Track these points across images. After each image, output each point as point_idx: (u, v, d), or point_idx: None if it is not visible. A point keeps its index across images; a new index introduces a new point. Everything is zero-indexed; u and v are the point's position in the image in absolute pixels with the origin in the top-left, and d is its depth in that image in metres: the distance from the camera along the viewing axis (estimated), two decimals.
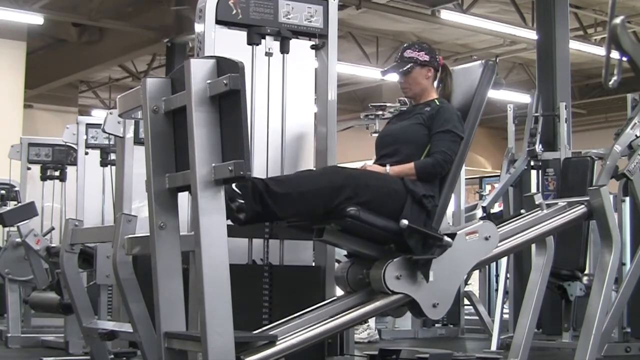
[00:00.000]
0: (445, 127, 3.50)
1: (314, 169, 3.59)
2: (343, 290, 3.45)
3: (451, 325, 7.57)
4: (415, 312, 3.37)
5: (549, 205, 3.83)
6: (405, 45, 3.82)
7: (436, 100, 3.65)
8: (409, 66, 3.69)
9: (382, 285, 3.23)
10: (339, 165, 3.64)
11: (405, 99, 5.52)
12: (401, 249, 3.28)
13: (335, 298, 3.42)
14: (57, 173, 7.60)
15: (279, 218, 3.27)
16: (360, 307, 3.27)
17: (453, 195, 7.45)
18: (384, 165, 3.49)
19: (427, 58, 3.71)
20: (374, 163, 3.61)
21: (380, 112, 7.41)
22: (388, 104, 7.58)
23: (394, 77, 3.86)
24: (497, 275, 8.01)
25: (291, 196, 3.12)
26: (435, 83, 3.76)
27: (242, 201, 3.03)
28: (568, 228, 3.87)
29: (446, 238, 3.30)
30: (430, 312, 3.31)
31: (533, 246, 3.96)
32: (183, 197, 2.92)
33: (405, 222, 3.22)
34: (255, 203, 3.07)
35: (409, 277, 3.26)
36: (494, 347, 6.00)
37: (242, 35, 3.87)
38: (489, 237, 3.44)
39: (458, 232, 3.38)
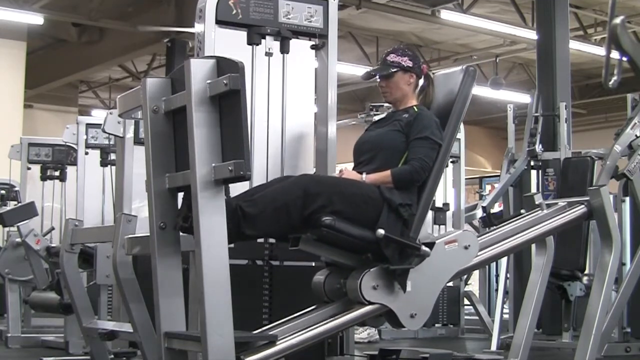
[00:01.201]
0: (423, 134, 3.42)
1: (290, 175, 3.52)
2: (320, 299, 3.36)
3: (451, 325, 7.58)
4: (392, 323, 3.30)
5: (549, 205, 3.83)
6: (389, 49, 3.78)
7: (415, 107, 3.58)
8: (391, 70, 3.63)
9: (359, 296, 3.17)
10: (313, 173, 3.60)
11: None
12: (378, 258, 3.22)
13: (312, 308, 3.32)
14: (57, 173, 7.59)
15: (252, 238, 3.23)
16: (335, 317, 3.20)
17: (453, 195, 7.57)
18: (361, 173, 3.43)
19: (410, 64, 3.63)
20: (352, 170, 3.54)
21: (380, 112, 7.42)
22: (387, 104, 7.58)
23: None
24: (497, 275, 8.01)
25: (265, 214, 3.05)
26: (417, 91, 3.69)
27: None
28: (568, 228, 3.87)
29: (424, 247, 3.23)
30: (408, 322, 3.24)
31: (533, 246, 3.96)
32: None
33: (381, 231, 3.15)
34: (228, 227, 2.94)
35: (386, 287, 3.19)
36: (494, 347, 6.01)
37: (242, 35, 3.87)
38: (469, 246, 3.36)
39: (437, 242, 3.31)
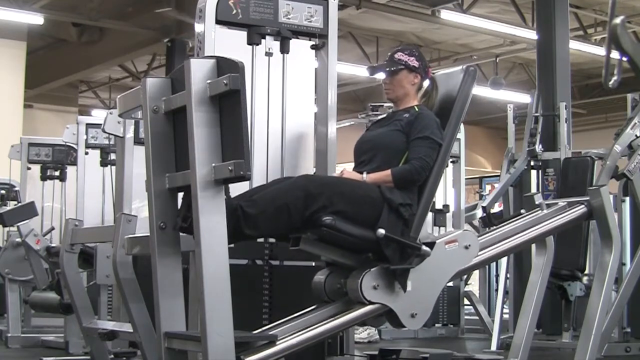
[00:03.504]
0: (423, 133, 3.43)
1: (289, 176, 3.52)
2: (320, 299, 3.36)
3: (451, 325, 7.58)
4: (393, 322, 3.29)
5: (549, 205, 3.83)
6: (397, 47, 3.79)
7: (415, 107, 3.58)
8: (397, 67, 3.63)
9: (359, 295, 3.17)
10: (313, 174, 3.60)
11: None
12: (379, 258, 3.22)
13: (312, 308, 3.31)
14: (57, 173, 7.59)
15: (252, 238, 3.23)
16: (336, 317, 3.20)
17: (453, 195, 7.57)
18: (361, 173, 3.43)
19: (416, 64, 3.64)
20: (353, 169, 3.54)
21: (381, 112, 7.42)
22: (387, 104, 7.58)
23: (382, 77, 3.82)
24: (497, 275, 8.02)
25: (266, 214, 3.05)
26: (420, 93, 3.69)
27: None
28: (568, 228, 3.87)
29: (424, 247, 3.24)
30: (408, 322, 3.25)
31: (533, 246, 3.96)
32: None
33: (381, 231, 3.15)
34: (228, 227, 2.96)
35: (386, 287, 3.19)
36: (494, 347, 6.01)
37: (242, 35, 3.87)
38: (469, 246, 3.36)
39: (437, 241, 3.31)
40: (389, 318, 3.28)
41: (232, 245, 2.85)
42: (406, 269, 3.22)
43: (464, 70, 3.56)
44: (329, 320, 3.19)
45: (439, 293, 3.36)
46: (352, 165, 3.60)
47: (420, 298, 3.26)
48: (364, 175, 3.41)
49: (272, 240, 3.76)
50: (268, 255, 3.82)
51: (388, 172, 3.39)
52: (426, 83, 3.68)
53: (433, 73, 3.73)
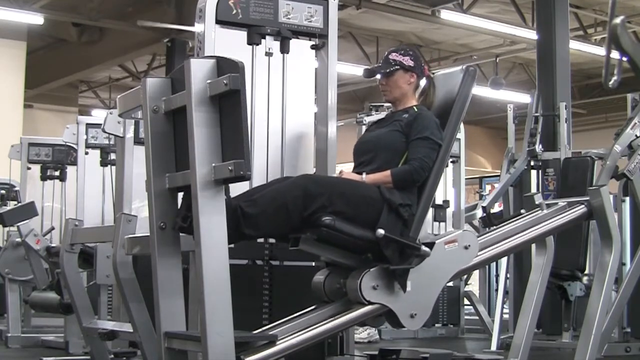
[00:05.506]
0: (423, 134, 3.42)
1: (289, 176, 3.52)
2: (320, 299, 3.37)
3: (451, 325, 7.58)
4: (392, 323, 3.29)
5: (549, 205, 3.83)
6: (391, 48, 3.78)
7: (415, 107, 3.57)
8: (392, 68, 3.62)
9: (359, 296, 3.17)
10: (313, 174, 3.59)
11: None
12: (378, 258, 3.22)
13: (312, 308, 3.32)
14: (57, 173, 7.59)
15: (252, 238, 3.23)
16: (335, 317, 3.20)
17: (453, 195, 7.57)
18: (361, 173, 3.43)
19: (411, 64, 3.62)
20: (352, 170, 3.54)
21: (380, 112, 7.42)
22: (387, 104, 7.58)
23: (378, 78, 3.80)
24: (497, 275, 8.01)
25: (265, 214, 3.06)
26: (417, 92, 3.68)
27: None
28: (568, 228, 3.87)
29: (424, 247, 3.24)
30: (408, 322, 3.24)
31: (533, 246, 3.96)
32: None
33: (381, 231, 3.15)
34: (229, 227, 2.99)
35: (385, 287, 3.19)
36: (494, 347, 6.01)
37: (242, 35, 3.88)
38: (469, 246, 3.36)
39: (437, 242, 3.31)
40: (389, 318, 3.28)
41: (232, 246, 2.85)
42: (406, 269, 3.22)
43: (463, 70, 3.55)
44: (328, 320, 3.18)
45: (439, 293, 3.36)
46: (350, 165, 3.60)
47: (419, 298, 3.26)
48: (364, 175, 3.41)
49: (272, 240, 3.76)
50: (268, 256, 3.81)
51: (387, 172, 3.38)
52: (423, 82, 3.66)
53: (433, 73, 3.72)
